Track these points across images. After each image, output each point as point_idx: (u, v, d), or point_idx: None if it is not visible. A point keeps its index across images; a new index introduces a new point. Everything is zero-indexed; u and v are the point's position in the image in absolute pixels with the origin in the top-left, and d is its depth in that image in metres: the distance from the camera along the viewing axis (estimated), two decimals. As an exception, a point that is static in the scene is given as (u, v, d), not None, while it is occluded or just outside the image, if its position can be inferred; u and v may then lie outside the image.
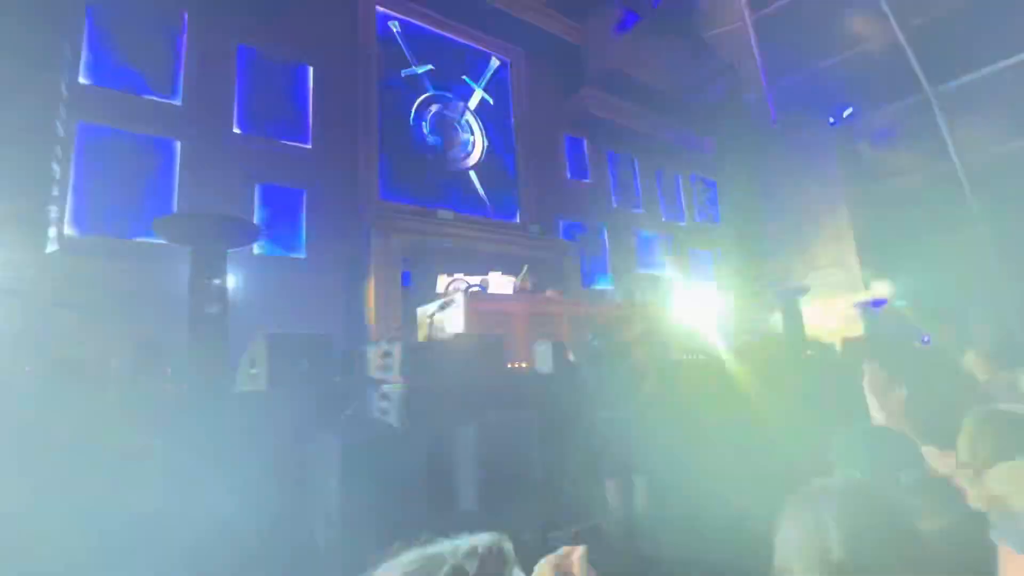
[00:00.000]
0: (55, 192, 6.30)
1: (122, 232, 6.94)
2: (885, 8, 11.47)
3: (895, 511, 0.76)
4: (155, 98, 7.58)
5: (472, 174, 10.74)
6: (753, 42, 13.33)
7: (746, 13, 13.15)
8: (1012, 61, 10.45)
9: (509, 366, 4.75)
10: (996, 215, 11.22)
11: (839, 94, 12.82)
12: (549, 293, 7.51)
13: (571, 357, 3.88)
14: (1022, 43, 10.22)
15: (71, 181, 6.74)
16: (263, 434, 2.88)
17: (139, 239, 6.96)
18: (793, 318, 8.39)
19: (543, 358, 4.48)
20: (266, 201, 8.24)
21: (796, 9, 12.55)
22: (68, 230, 6.63)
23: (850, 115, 12.87)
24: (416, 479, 2.25)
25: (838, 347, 6.89)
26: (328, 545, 2.26)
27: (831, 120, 12.95)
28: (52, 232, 6.11)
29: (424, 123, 10.28)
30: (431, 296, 8.50)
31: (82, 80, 7.06)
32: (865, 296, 11.34)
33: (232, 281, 5.72)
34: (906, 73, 11.77)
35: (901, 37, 11.53)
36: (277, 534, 2.67)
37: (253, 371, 3.35)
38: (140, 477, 2.51)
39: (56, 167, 6.26)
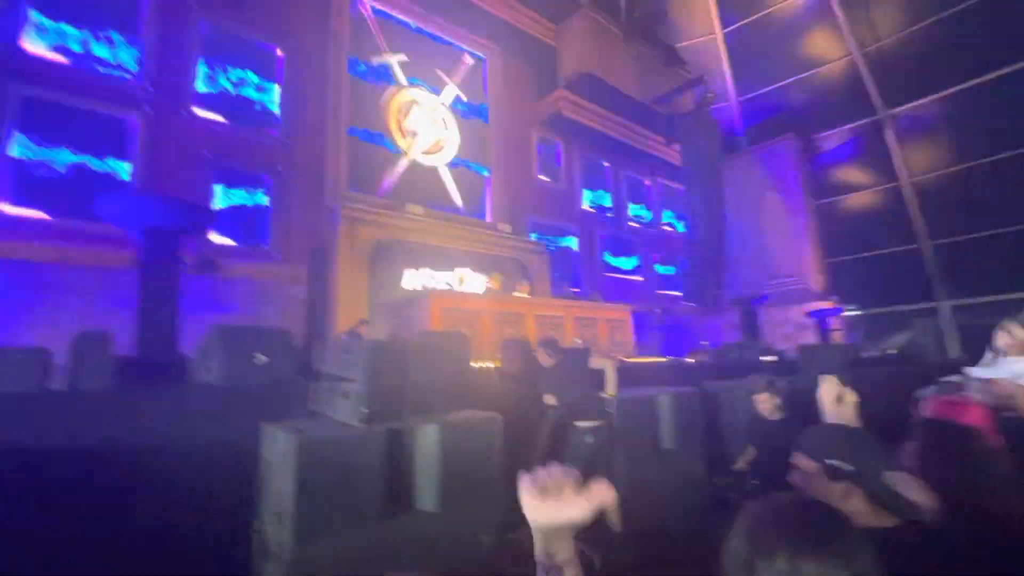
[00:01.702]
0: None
1: (66, 212, 6.50)
2: (845, 31, 12.02)
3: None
4: (108, 70, 7.13)
5: (443, 170, 10.62)
6: (722, 55, 13.73)
7: (717, 26, 13.53)
8: (959, 88, 11.12)
9: (474, 365, 4.71)
10: (939, 233, 11.92)
11: (801, 110, 13.35)
12: (517, 292, 7.51)
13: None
14: (969, 72, 10.89)
15: (6, 155, 6.26)
16: (215, 428, 2.76)
17: (85, 222, 6.54)
18: (752, 325, 8.66)
19: (509, 358, 4.46)
20: (227, 187, 7.90)
21: (764, 27, 13.01)
22: (4, 207, 6.16)
23: (809, 131, 13.44)
24: (374, 479, 2.19)
25: (793, 353, 7.15)
26: (280, 545, 2.17)
27: (793, 135, 13.47)
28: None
29: (396, 115, 10.09)
30: (397, 292, 8.38)
31: (26, 46, 6.57)
32: (820, 304, 11.85)
33: (187, 268, 5.46)
34: (862, 95, 12.38)
35: (858, 60, 12.12)
36: (227, 532, 2.56)
37: (206, 365, 3.19)
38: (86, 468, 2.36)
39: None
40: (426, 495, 2.38)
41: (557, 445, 3.53)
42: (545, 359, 4.03)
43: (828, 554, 0.72)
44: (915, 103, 11.78)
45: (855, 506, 1.16)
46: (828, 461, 1.21)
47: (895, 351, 9.18)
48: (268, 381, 2.93)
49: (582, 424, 3.54)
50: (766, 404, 3.62)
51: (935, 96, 11.47)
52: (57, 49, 6.79)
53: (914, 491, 1.20)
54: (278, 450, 2.31)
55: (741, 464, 3.73)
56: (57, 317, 5.84)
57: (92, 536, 2.31)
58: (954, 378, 3.07)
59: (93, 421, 2.46)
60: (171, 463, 2.54)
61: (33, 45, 6.64)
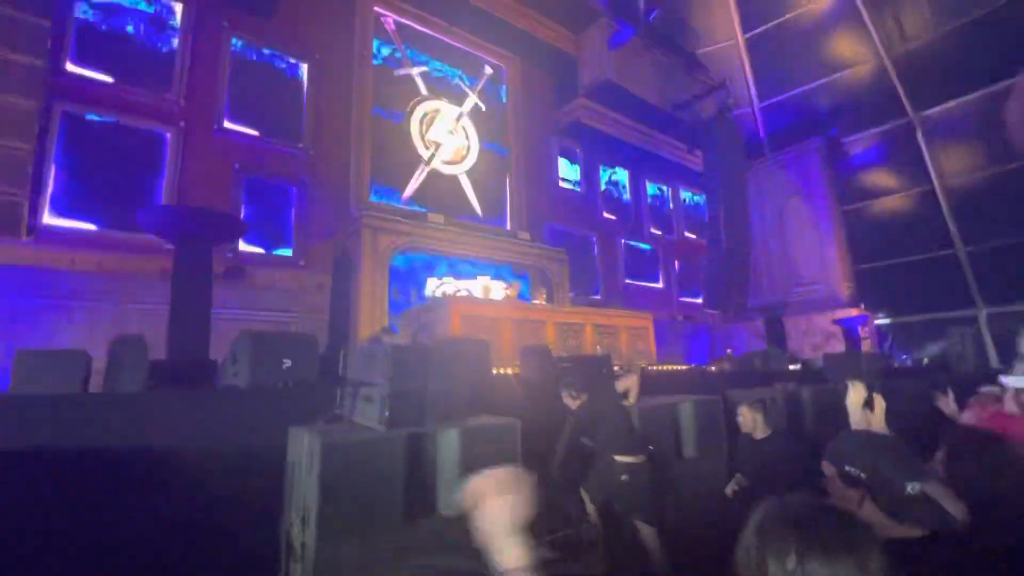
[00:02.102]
0: (33, 179, 6.16)
1: (105, 223, 6.78)
2: (872, 34, 11.78)
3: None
4: (145, 88, 7.45)
5: (464, 178, 10.74)
6: (744, 61, 13.59)
7: (738, 32, 13.41)
8: (992, 89, 10.78)
9: (495, 371, 4.74)
10: (973, 238, 11.52)
11: (827, 114, 13.10)
12: (536, 299, 7.53)
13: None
14: (1001, 72, 10.55)
15: (53, 169, 6.59)
16: (242, 431, 2.84)
17: (121, 232, 6.81)
18: (777, 333, 8.48)
19: (528, 365, 4.48)
20: (255, 197, 8.14)
21: (787, 31, 12.83)
22: (48, 219, 6.47)
23: (836, 135, 13.16)
24: (396, 482, 2.22)
25: (820, 362, 6.98)
26: (304, 546, 2.22)
27: (818, 140, 13.22)
28: (27, 220, 5.96)
29: (418, 125, 10.27)
30: (419, 299, 8.48)
31: (70, 67, 6.92)
32: (847, 313, 11.53)
33: (217, 277, 5.64)
34: (891, 97, 12.09)
35: (887, 62, 11.85)
36: (253, 533, 2.63)
37: (234, 369, 3.29)
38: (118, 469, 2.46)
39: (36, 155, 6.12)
40: (447, 499, 2.41)
41: (574, 452, 3.51)
42: (570, 401, 3.61)
43: (838, 557, 0.72)
44: (947, 105, 11.45)
45: (869, 514, 1.14)
46: (847, 468, 1.20)
47: (929, 360, 8.87)
48: (294, 385, 3.01)
49: (621, 459, 3.21)
50: (748, 420, 3.32)
51: (967, 97, 11.13)
52: (97, 68, 7.13)
53: (946, 500, 1.17)
54: (303, 452, 2.36)
55: (729, 491, 3.40)
56: (95, 322, 6.09)
57: (124, 532, 2.39)
58: (991, 388, 2.98)
59: (129, 422, 2.56)
60: (201, 463, 2.63)
61: (76, 66, 6.99)
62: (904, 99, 11.92)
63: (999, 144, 10.94)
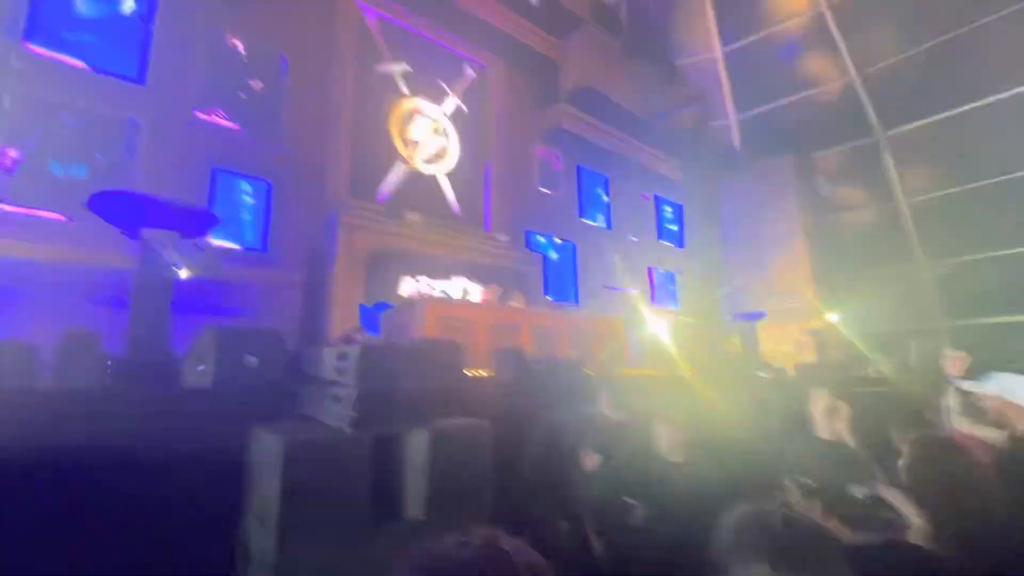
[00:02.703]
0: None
1: (64, 210, 6.49)
2: (843, 54, 12.18)
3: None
4: (110, 72, 7.17)
5: (444, 179, 10.67)
6: (722, 73, 13.89)
7: (716, 46, 13.71)
8: (954, 113, 11.25)
9: (468, 373, 4.69)
10: (936, 253, 11.98)
11: (800, 129, 13.48)
12: (513, 302, 7.50)
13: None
14: (965, 96, 11.03)
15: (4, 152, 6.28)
16: (203, 430, 2.72)
17: (80, 222, 6.52)
18: (750, 341, 8.65)
19: (503, 367, 4.44)
20: (228, 191, 7.91)
21: (763, 47, 13.17)
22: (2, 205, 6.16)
23: (809, 150, 13.54)
24: (362, 484, 2.15)
25: (791, 371, 7.14)
26: (263, 551, 2.13)
27: (792, 153, 13.58)
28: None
29: (397, 124, 10.17)
30: (394, 299, 8.36)
31: (30, 45, 6.61)
32: (818, 323, 11.84)
33: (183, 271, 5.44)
34: (860, 116, 12.51)
35: (857, 82, 12.26)
36: (210, 537, 2.51)
37: (197, 366, 3.17)
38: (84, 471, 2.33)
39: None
40: (414, 502, 2.35)
41: (551, 458, 3.48)
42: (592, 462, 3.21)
43: (806, 568, 0.73)
44: (913, 124, 11.91)
45: (828, 521, 1.14)
46: (798, 479, 1.20)
47: (895, 371, 9.15)
48: (259, 383, 2.90)
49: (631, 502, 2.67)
50: (666, 439, 2.74)
51: (934, 118, 11.59)
52: (63, 50, 6.84)
53: (903, 505, 1.18)
54: (265, 452, 2.27)
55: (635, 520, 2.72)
56: (49, 316, 5.80)
57: (74, 537, 2.26)
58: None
59: (78, 419, 2.43)
60: (157, 464, 2.51)
61: (40, 46, 6.69)
62: (872, 117, 12.36)
63: (961, 165, 11.43)
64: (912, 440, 1.52)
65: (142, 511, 2.44)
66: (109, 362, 3.40)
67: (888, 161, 12.39)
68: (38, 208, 6.37)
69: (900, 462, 1.51)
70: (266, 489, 2.18)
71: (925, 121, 11.71)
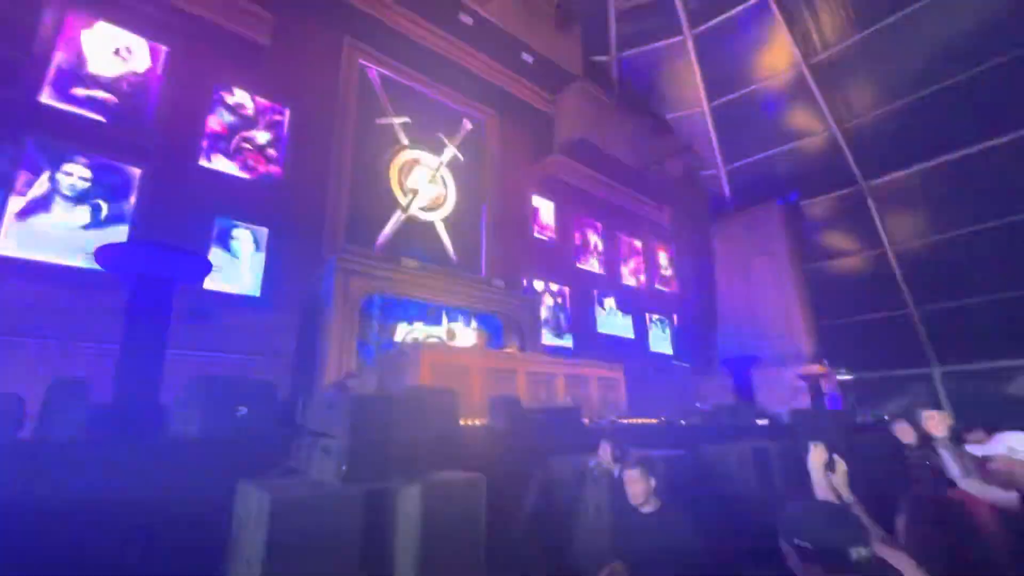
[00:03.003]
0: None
1: (65, 256, 6.52)
2: (823, 109, 12.78)
3: None
4: (120, 125, 7.39)
5: (440, 226, 10.85)
6: (710, 126, 14.48)
7: (704, 100, 14.37)
8: (932, 163, 11.70)
9: (463, 423, 4.60)
10: (924, 299, 12.15)
11: (786, 179, 13.93)
12: (508, 348, 7.47)
13: None
14: (938, 149, 11.51)
15: (11, 199, 6.36)
16: (188, 483, 2.65)
17: (81, 264, 6.54)
18: (745, 386, 8.58)
19: (497, 415, 4.38)
20: (226, 236, 8.00)
21: (748, 102, 13.82)
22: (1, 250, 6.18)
23: (795, 199, 13.95)
24: (351, 543, 2.08)
25: (787, 417, 7.06)
26: (245, 616, 2.03)
27: (779, 202, 13.97)
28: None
29: (396, 173, 10.44)
30: (389, 345, 8.31)
31: (43, 99, 6.85)
32: (810, 368, 11.81)
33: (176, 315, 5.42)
34: (843, 166, 12.99)
35: (838, 135, 12.81)
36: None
37: (184, 415, 3.11)
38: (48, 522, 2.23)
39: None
40: (405, 561, 2.26)
41: (542, 506, 3.38)
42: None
43: None
44: (893, 175, 12.35)
45: None
46: (795, 541, 1.18)
47: (889, 417, 9.06)
48: (248, 434, 2.84)
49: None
50: (637, 489, 2.69)
51: (912, 169, 12.04)
52: (74, 103, 7.07)
53: (901, 564, 1.16)
54: (251, 508, 2.20)
55: None
56: (41, 362, 5.72)
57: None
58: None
59: (62, 470, 2.36)
60: (140, 516, 2.42)
61: (52, 98, 6.92)
62: (854, 168, 12.83)
63: (941, 213, 11.79)
64: (909, 499, 1.51)
65: (123, 566, 2.34)
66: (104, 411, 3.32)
67: (872, 209, 12.76)
68: (40, 253, 6.39)
69: (897, 520, 1.49)
70: (251, 547, 2.09)
71: (904, 172, 12.16)
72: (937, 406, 11.14)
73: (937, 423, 3.75)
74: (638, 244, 15.50)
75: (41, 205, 6.58)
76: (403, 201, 10.34)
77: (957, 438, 3.40)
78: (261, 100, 8.92)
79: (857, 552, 1.10)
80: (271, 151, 8.88)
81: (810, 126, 13.28)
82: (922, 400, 9.35)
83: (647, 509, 2.66)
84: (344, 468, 2.22)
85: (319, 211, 9.08)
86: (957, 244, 11.61)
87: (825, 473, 1.94)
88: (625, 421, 6.78)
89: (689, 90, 14.46)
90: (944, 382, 11.62)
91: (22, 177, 6.50)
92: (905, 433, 4.20)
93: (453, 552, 2.37)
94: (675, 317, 15.15)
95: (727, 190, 14.98)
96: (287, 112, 9.16)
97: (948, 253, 11.73)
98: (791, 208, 14.05)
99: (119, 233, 7.01)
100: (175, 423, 3.22)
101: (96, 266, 5.29)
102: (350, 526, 2.10)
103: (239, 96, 8.69)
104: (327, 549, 2.07)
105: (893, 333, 12.48)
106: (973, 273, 11.39)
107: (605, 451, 3.48)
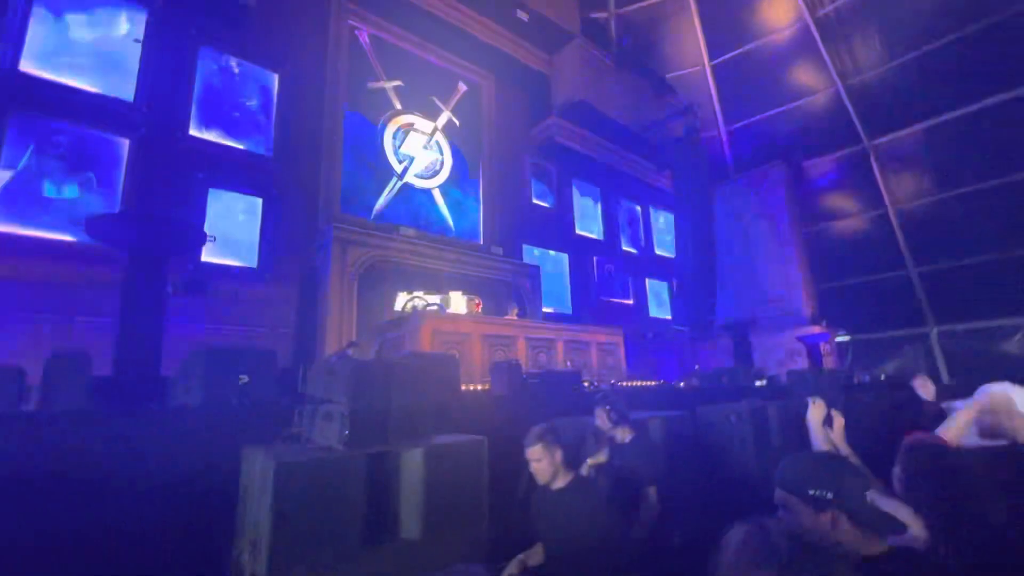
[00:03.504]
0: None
1: (54, 230, 6.44)
2: (828, 65, 12.42)
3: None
4: (104, 92, 7.17)
5: (437, 193, 10.70)
6: (711, 86, 14.11)
7: (705, 59, 13.95)
8: (937, 121, 11.46)
9: (464, 388, 4.65)
10: (923, 259, 12.13)
11: (788, 140, 13.67)
12: (508, 315, 7.49)
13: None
14: (946, 104, 11.24)
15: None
16: (193, 452, 2.68)
17: (72, 238, 6.46)
18: (743, 349, 8.66)
19: (499, 380, 4.42)
20: (220, 208, 7.88)
21: (750, 59, 13.42)
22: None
23: (798, 159, 13.73)
24: (355, 505, 2.12)
25: (784, 379, 7.14)
26: (254, 575, 2.08)
27: (781, 163, 13.75)
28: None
29: (391, 139, 10.22)
30: (389, 314, 8.32)
31: (23, 68, 6.62)
32: (810, 330, 11.90)
33: (173, 288, 5.39)
34: (846, 125, 12.73)
35: (842, 92, 12.49)
36: (202, 562, 2.46)
37: (186, 386, 3.12)
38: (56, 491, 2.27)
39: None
40: (410, 522, 2.31)
41: None
42: (606, 424, 3.16)
43: None
44: (898, 133, 12.11)
45: (845, 534, 1.12)
46: (810, 491, 1.18)
47: (885, 377, 9.19)
48: (250, 403, 2.86)
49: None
50: (545, 466, 2.45)
51: (917, 127, 11.80)
52: (55, 70, 6.84)
53: (902, 514, 1.17)
54: (256, 474, 2.24)
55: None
56: (38, 337, 5.73)
57: (63, 562, 2.21)
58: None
59: (65, 443, 2.38)
60: (146, 486, 2.46)
61: (32, 67, 6.69)
62: (859, 127, 12.57)
63: (945, 171, 11.63)
64: (904, 448, 1.52)
65: (132, 534, 2.39)
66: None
67: (875, 168, 12.58)
68: (31, 228, 6.30)
69: (895, 471, 1.50)
70: (258, 511, 2.13)
71: (908, 130, 11.92)
72: (933, 365, 11.28)
73: (925, 387, 3.90)
74: (638, 209, 15.34)
75: (29, 179, 6.46)
76: (398, 168, 10.16)
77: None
78: (249, 65, 8.63)
79: (870, 496, 1.11)
80: (261, 118, 8.66)
81: (814, 83, 12.94)
82: (919, 359, 9.43)
83: (558, 485, 2.43)
84: (346, 433, 2.24)
85: (313, 180, 8.92)
86: (958, 203, 11.51)
87: (823, 428, 1.96)
88: (625, 384, 6.87)
89: (690, 47, 14.02)
90: (941, 341, 11.72)
91: (7, 150, 6.35)
92: (926, 388, 4.29)
93: (457, 512, 2.42)
94: (674, 282, 15.15)
95: (728, 152, 14.72)
96: (276, 77, 8.89)
97: (949, 212, 11.64)
98: (792, 170, 13.85)
99: (111, 206, 6.91)
100: (177, 394, 3.24)
101: (89, 239, 5.25)
102: (354, 488, 2.13)
103: (226, 61, 8.41)
104: (332, 511, 2.11)
105: (892, 294, 12.51)
106: (973, 232, 11.33)
107: (601, 417, 3.31)
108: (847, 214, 13.41)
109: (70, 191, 6.70)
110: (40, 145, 6.58)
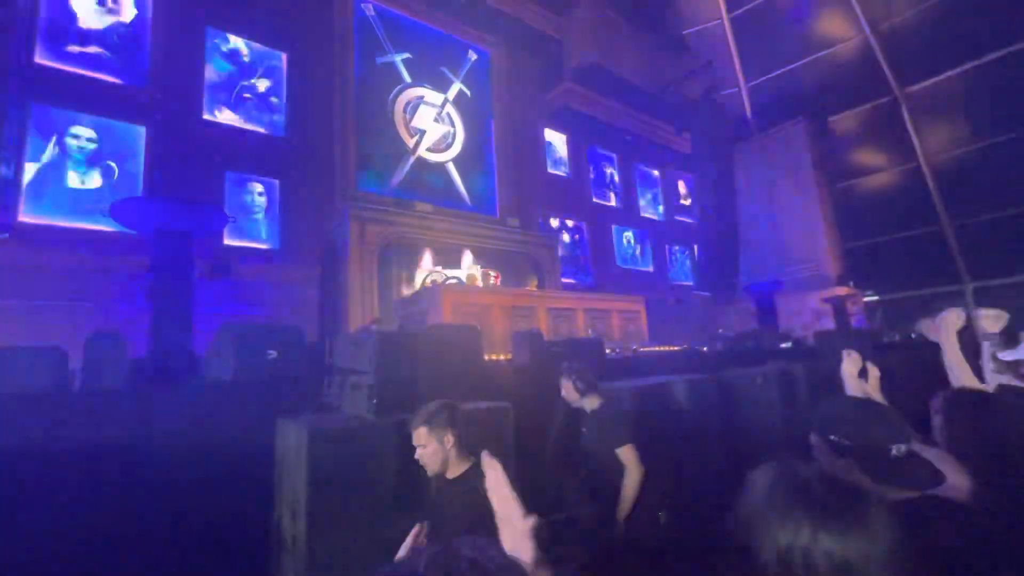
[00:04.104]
0: (6, 176, 5.97)
1: (83, 219, 6.61)
2: (856, 11, 11.73)
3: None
4: (118, 80, 7.23)
5: (451, 166, 10.61)
6: (730, 40, 13.50)
7: (723, 12, 13.30)
8: (975, 64, 10.79)
9: (487, 358, 4.69)
10: (958, 213, 11.63)
11: (812, 94, 13.07)
12: (527, 286, 7.48)
13: None
14: (986, 46, 10.56)
15: (24, 166, 6.39)
16: (229, 424, 2.77)
17: (100, 226, 6.63)
18: (768, 312, 8.51)
19: (520, 350, 4.44)
20: (239, 190, 7.97)
21: (771, 9, 12.74)
22: (23, 217, 6.29)
23: (823, 114, 13.15)
24: (387, 470, 2.17)
25: (811, 340, 7.01)
26: (295, 538, 2.17)
27: (805, 118, 13.20)
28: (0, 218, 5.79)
29: (402, 114, 10.10)
30: (408, 288, 8.40)
31: (39, 60, 6.69)
32: (836, 291, 11.62)
33: (200, 269, 5.52)
34: (876, 75, 12.08)
35: (872, 40, 11.82)
36: (244, 528, 2.58)
37: (218, 362, 3.22)
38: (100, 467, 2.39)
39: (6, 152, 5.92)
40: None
41: (569, 436, 3.48)
42: (573, 395, 2.87)
43: (850, 530, 0.69)
44: (931, 80, 11.47)
45: (861, 482, 1.10)
46: (831, 436, 1.16)
47: (917, 336, 8.95)
48: (280, 376, 2.94)
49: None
50: (426, 452, 1.93)
51: (951, 73, 11.15)
52: (69, 61, 6.90)
53: (943, 464, 1.14)
54: (291, 443, 2.31)
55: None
56: (73, 321, 5.95)
57: (107, 532, 2.33)
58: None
59: (110, 419, 2.49)
60: (187, 458, 2.56)
61: (46, 59, 6.75)
62: (889, 76, 11.93)
63: (983, 118, 11.00)
64: (945, 397, 1.48)
65: (173, 504, 2.50)
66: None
67: (907, 119, 11.97)
68: (59, 218, 6.48)
69: (934, 420, 1.46)
70: (294, 478, 2.21)
71: (944, 76, 11.26)
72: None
73: (993, 321, 3.62)
74: (656, 173, 15.00)
75: (54, 170, 6.61)
76: (411, 143, 10.08)
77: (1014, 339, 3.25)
78: (257, 46, 8.57)
79: (897, 449, 1.08)
80: (273, 99, 8.64)
81: (840, 32, 12.25)
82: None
83: (452, 474, 1.97)
84: (374, 401, 2.29)
85: (328, 159, 8.93)
86: (997, 152, 10.91)
87: (859, 381, 1.92)
88: (647, 350, 6.85)
89: (707, 1, 13.37)
90: (976, 298, 11.32)
91: (31, 143, 6.48)
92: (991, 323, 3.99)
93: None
94: (695, 247, 14.89)
95: (749, 110, 14.17)
96: (284, 57, 8.82)
97: (986, 162, 11.05)
98: (817, 125, 13.27)
99: (132, 192, 7.04)
100: (209, 370, 3.34)
101: (117, 226, 5.37)
102: (384, 454, 2.19)
103: (234, 43, 8.36)
104: (365, 477, 2.17)
105: (923, 250, 12.06)
106: (1011, 183, 10.76)
107: (567, 388, 2.88)
108: (876, 169, 12.86)
109: (93, 180, 6.84)
110: (61, 137, 6.70)
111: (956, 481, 1.12)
